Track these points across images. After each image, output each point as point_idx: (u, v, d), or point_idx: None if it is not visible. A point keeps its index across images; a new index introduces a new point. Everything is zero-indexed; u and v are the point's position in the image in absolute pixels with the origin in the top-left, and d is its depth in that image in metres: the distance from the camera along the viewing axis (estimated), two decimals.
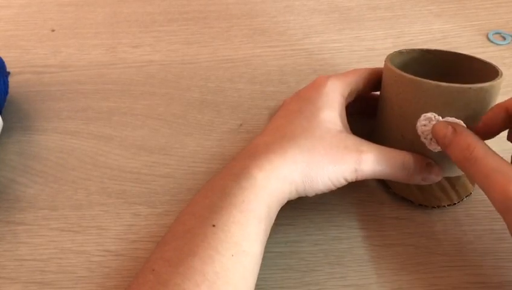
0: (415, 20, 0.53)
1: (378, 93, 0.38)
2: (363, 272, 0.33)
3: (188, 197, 0.37)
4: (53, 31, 0.53)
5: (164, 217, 0.36)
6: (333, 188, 0.32)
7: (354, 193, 0.38)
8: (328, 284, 0.32)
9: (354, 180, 0.33)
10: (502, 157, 0.28)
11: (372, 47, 0.50)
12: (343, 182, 0.33)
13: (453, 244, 0.34)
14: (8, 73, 0.45)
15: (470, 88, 0.32)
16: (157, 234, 0.35)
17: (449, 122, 0.32)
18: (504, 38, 0.50)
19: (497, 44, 0.50)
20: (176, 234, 0.29)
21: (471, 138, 0.30)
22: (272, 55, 0.50)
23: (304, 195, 0.32)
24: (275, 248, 0.35)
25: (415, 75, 0.33)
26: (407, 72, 0.34)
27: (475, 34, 0.51)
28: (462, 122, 0.32)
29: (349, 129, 0.35)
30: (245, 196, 0.29)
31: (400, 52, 0.37)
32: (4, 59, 0.45)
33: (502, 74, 0.34)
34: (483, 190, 0.28)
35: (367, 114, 0.40)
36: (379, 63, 0.49)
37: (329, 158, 0.32)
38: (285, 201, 0.32)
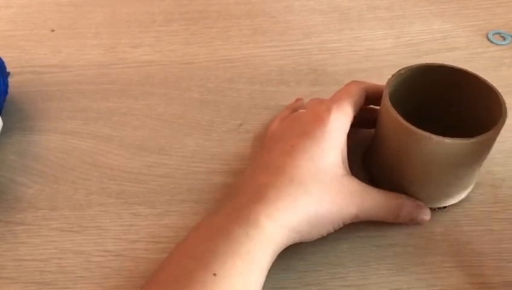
0: (415, 20, 0.53)
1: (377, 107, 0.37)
2: (363, 272, 0.33)
3: (188, 197, 0.37)
4: (53, 31, 0.53)
5: (164, 217, 0.36)
6: (332, 231, 0.32)
7: None
8: (328, 284, 0.32)
9: (349, 222, 0.33)
10: None
11: (372, 47, 0.50)
12: (341, 225, 0.33)
13: (453, 245, 0.34)
14: (8, 73, 0.45)
15: (467, 143, 0.30)
16: (157, 234, 0.35)
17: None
18: (504, 39, 0.50)
19: (497, 44, 0.50)
20: (174, 275, 0.28)
21: None
22: (272, 55, 0.50)
23: (304, 241, 0.32)
24: None
25: (416, 93, 0.33)
26: (409, 90, 0.34)
27: (475, 34, 0.51)
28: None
29: (348, 168, 0.34)
30: (251, 245, 0.28)
31: (400, 74, 0.35)
32: (4, 59, 0.45)
33: (505, 115, 0.32)
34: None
35: (364, 126, 0.40)
36: (379, 63, 0.49)
37: (336, 206, 0.32)
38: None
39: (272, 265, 0.33)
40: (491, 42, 0.50)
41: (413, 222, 0.35)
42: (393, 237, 0.35)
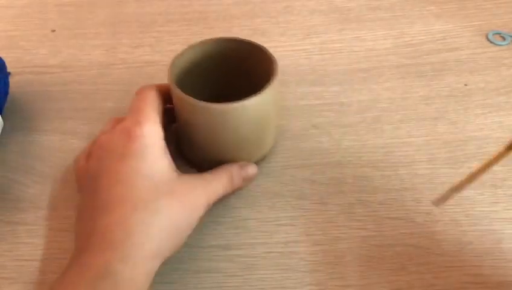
0: (415, 20, 0.53)
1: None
2: (363, 272, 0.33)
3: None
4: (53, 31, 0.53)
5: None
6: (190, 232, 0.32)
7: (354, 193, 0.38)
8: (328, 284, 0.32)
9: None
10: None
11: (372, 47, 0.50)
12: (198, 222, 0.32)
13: (453, 245, 0.34)
14: (9, 73, 0.45)
15: (239, 105, 0.33)
16: None
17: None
18: (504, 39, 0.50)
19: (497, 44, 0.50)
20: None
21: None
22: None
23: (171, 255, 0.31)
24: (275, 248, 0.35)
25: (208, 69, 0.36)
26: (201, 67, 0.37)
27: (475, 34, 0.51)
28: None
29: (176, 168, 0.34)
30: None
31: (191, 47, 0.37)
32: (5, 59, 0.45)
33: (274, 77, 0.34)
34: None
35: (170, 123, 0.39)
36: (379, 63, 0.49)
37: (187, 209, 0.31)
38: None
39: (271, 265, 0.33)
40: (491, 42, 0.50)
41: (246, 182, 0.37)
42: (393, 237, 0.35)
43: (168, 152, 0.33)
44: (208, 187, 0.34)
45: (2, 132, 0.42)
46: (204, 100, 0.33)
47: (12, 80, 0.46)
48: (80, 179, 0.35)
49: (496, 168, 0.39)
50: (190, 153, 0.39)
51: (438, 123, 0.42)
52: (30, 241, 0.35)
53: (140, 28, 0.54)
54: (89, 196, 0.33)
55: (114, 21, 0.54)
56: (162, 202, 0.30)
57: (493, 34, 0.51)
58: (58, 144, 0.42)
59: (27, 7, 0.56)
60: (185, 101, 0.34)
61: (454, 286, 0.32)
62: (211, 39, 0.38)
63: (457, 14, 0.54)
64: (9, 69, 0.45)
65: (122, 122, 0.34)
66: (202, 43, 0.38)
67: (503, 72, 0.47)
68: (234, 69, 0.40)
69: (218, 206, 0.37)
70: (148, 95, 0.35)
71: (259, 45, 0.37)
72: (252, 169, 0.37)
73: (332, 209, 0.37)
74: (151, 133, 0.33)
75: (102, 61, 0.50)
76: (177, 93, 0.34)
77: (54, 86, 0.47)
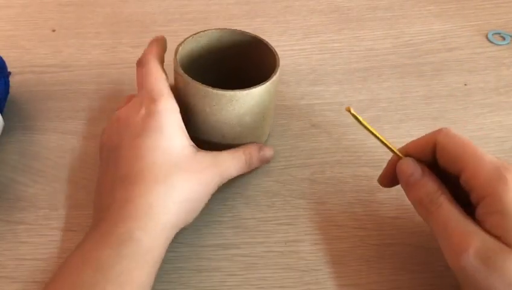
0: (414, 20, 0.53)
1: None
2: (362, 272, 0.33)
3: None
4: (53, 31, 0.53)
5: None
6: (204, 206, 0.34)
7: (354, 193, 0.38)
8: (328, 284, 0.32)
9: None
10: (462, 210, 0.29)
11: (371, 47, 0.50)
12: (210, 197, 0.34)
13: None
14: (9, 73, 0.45)
15: (235, 94, 0.34)
16: None
17: (418, 162, 0.31)
18: (504, 39, 0.50)
19: (497, 44, 0.50)
20: None
21: (438, 183, 0.30)
22: None
23: (184, 227, 0.33)
24: (275, 247, 0.35)
25: (213, 59, 0.37)
26: (203, 57, 0.37)
27: (475, 34, 0.51)
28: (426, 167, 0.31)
29: (193, 143, 0.35)
30: (124, 266, 0.27)
31: (195, 36, 0.38)
32: (5, 59, 0.45)
33: (276, 71, 0.35)
34: (439, 236, 0.29)
35: None
36: (379, 63, 0.49)
37: (202, 185, 0.33)
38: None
39: (271, 264, 0.33)
40: (491, 42, 0.50)
41: (262, 163, 0.38)
42: (393, 236, 0.35)
43: (183, 126, 0.34)
44: (224, 166, 0.34)
45: (2, 131, 0.42)
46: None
47: (12, 80, 0.46)
48: (101, 151, 0.36)
49: None
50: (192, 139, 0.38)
51: (438, 123, 0.42)
52: (30, 241, 0.35)
53: (141, 28, 0.54)
54: (109, 168, 0.34)
55: (114, 21, 0.54)
56: (179, 177, 0.31)
57: (493, 34, 0.51)
58: (58, 144, 0.42)
59: (27, 7, 0.56)
60: (193, 87, 0.34)
61: (454, 286, 0.32)
62: (215, 29, 0.39)
63: (457, 13, 0.54)
64: (9, 69, 0.45)
65: (138, 98, 0.35)
66: (206, 32, 0.38)
67: (503, 71, 0.47)
68: (235, 61, 0.40)
69: (218, 206, 0.37)
70: (154, 68, 0.35)
71: (261, 38, 0.38)
72: (269, 151, 0.38)
73: (332, 208, 0.37)
74: (167, 109, 0.33)
75: (102, 61, 0.50)
76: (185, 78, 0.34)
77: (54, 85, 0.47)
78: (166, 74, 0.36)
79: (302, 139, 0.42)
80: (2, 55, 0.45)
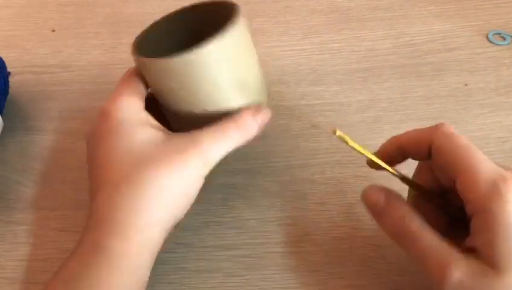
0: (414, 20, 0.53)
1: None
2: (362, 272, 0.33)
3: None
4: (53, 31, 0.53)
5: None
6: (196, 193, 0.30)
7: (354, 193, 0.38)
8: (328, 284, 0.32)
9: (208, 171, 0.30)
10: (435, 233, 0.27)
11: (372, 47, 0.50)
12: (202, 180, 0.30)
13: None
14: (9, 73, 0.45)
15: (172, 60, 0.30)
16: None
17: (381, 187, 0.29)
18: (504, 39, 0.50)
19: (497, 44, 0.50)
20: None
21: (405, 209, 0.28)
22: (272, 55, 0.50)
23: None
24: (275, 248, 0.35)
25: (180, 46, 0.31)
26: (171, 42, 0.34)
27: (475, 34, 0.51)
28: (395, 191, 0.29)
29: (160, 125, 0.32)
30: (94, 276, 0.26)
31: (156, 24, 0.36)
32: (4, 59, 0.45)
33: (238, 14, 0.32)
34: (417, 265, 0.27)
35: None
36: (379, 63, 0.49)
37: (176, 174, 0.29)
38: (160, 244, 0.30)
39: (271, 265, 0.33)
40: (491, 42, 0.50)
41: (261, 129, 0.32)
42: None
43: (151, 120, 0.32)
44: (204, 145, 0.30)
45: (1, 131, 0.42)
46: None
47: (12, 80, 0.46)
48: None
49: None
50: (175, 126, 0.35)
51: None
52: (30, 241, 0.35)
53: (140, 28, 0.54)
54: (92, 169, 0.32)
55: (114, 21, 0.54)
56: (145, 173, 0.29)
57: (493, 34, 0.51)
58: (58, 144, 0.41)
59: (27, 7, 0.56)
60: (151, 65, 0.31)
61: None
62: (167, 15, 0.36)
63: (457, 14, 0.54)
64: (9, 69, 0.45)
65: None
66: (164, 18, 0.36)
67: (503, 72, 0.47)
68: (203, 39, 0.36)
69: (218, 207, 0.37)
70: (125, 75, 0.34)
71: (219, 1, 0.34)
72: (266, 113, 0.33)
73: (332, 209, 0.37)
74: (124, 107, 0.31)
75: (102, 61, 0.50)
76: (141, 60, 0.32)
77: (54, 86, 0.47)
78: (142, 80, 0.33)
79: (302, 139, 0.42)
80: (1, 55, 0.45)
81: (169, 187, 0.29)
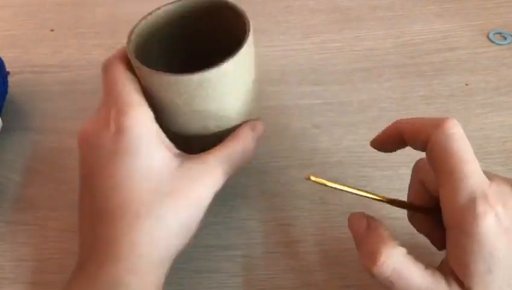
0: (415, 20, 0.53)
1: None
2: (363, 272, 0.33)
3: None
4: (52, 30, 0.53)
5: None
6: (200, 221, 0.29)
7: None
8: (328, 284, 0.32)
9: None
10: (417, 264, 0.26)
11: (372, 47, 0.50)
12: (205, 212, 0.29)
13: None
14: (8, 73, 0.45)
15: (190, 78, 0.28)
16: None
17: (366, 215, 0.28)
18: (505, 38, 0.50)
19: (498, 44, 0.50)
20: None
21: (382, 238, 0.26)
22: (272, 55, 0.50)
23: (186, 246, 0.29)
24: (275, 248, 0.35)
25: (176, 40, 0.30)
26: (165, 40, 0.32)
27: (476, 34, 0.51)
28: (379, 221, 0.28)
29: (175, 149, 0.30)
30: None
31: (147, 19, 0.33)
32: (4, 59, 0.45)
33: (248, 36, 0.30)
34: None
35: None
36: (379, 62, 0.49)
37: (193, 203, 0.28)
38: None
39: (271, 265, 0.33)
40: (492, 42, 0.50)
41: (258, 142, 0.32)
42: (395, 237, 0.35)
43: (162, 134, 0.29)
44: (217, 174, 0.29)
45: (1, 131, 0.42)
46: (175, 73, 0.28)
47: (11, 80, 0.46)
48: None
49: (496, 167, 0.39)
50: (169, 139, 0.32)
51: None
52: (29, 242, 0.35)
53: None
54: (85, 199, 0.29)
55: (113, 21, 0.54)
56: (165, 205, 0.27)
57: (494, 34, 0.51)
58: (58, 144, 0.41)
59: (26, 7, 0.56)
60: (154, 78, 0.28)
61: None
62: (169, 4, 0.33)
63: (458, 13, 0.54)
64: (8, 69, 0.45)
65: (104, 108, 0.29)
66: (159, 11, 0.34)
67: (504, 71, 0.47)
68: (202, 37, 0.35)
69: (218, 207, 0.36)
70: (118, 72, 0.30)
71: (225, 1, 0.32)
72: (260, 126, 0.32)
73: (333, 209, 0.37)
74: (140, 120, 0.28)
75: (101, 60, 0.49)
76: (143, 70, 0.29)
77: (54, 85, 0.47)
78: (136, 76, 0.30)
79: (303, 139, 0.42)
80: (0, 55, 0.45)
81: (186, 218, 0.28)
